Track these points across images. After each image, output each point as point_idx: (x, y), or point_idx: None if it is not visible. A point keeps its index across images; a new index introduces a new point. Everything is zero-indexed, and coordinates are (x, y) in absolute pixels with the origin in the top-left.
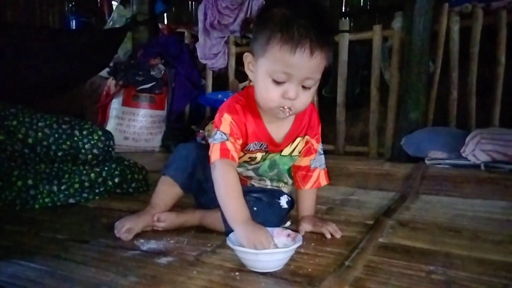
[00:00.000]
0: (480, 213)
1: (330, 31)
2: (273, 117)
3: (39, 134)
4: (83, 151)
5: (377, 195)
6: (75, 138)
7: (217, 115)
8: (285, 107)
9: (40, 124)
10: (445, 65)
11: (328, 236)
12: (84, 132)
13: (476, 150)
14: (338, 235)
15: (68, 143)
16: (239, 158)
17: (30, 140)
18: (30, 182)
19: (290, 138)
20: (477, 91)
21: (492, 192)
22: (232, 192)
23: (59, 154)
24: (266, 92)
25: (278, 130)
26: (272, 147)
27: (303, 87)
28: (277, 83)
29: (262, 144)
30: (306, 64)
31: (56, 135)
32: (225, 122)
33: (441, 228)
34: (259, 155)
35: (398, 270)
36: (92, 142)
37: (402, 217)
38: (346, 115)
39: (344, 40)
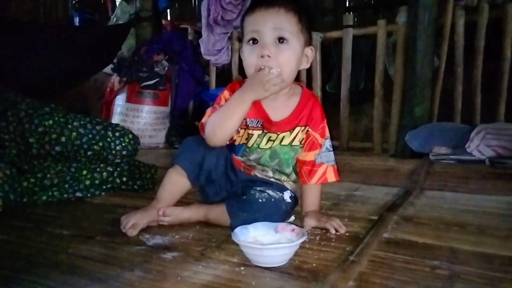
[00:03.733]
0: (485, 208)
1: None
2: (270, 97)
3: (74, 133)
4: (113, 152)
5: (381, 191)
6: (108, 139)
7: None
8: (265, 67)
9: (75, 123)
10: (450, 60)
11: (333, 231)
12: (117, 134)
13: (481, 145)
14: (342, 230)
15: (100, 144)
16: (239, 137)
17: (63, 139)
18: (44, 175)
19: (288, 124)
20: (483, 86)
21: (497, 187)
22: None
23: (89, 153)
24: (247, 58)
25: (275, 111)
26: (268, 125)
27: (279, 40)
28: (252, 44)
29: (258, 121)
30: (266, 14)
31: (90, 135)
32: (223, 98)
33: (446, 223)
34: (255, 133)
35: (403, 265)
36: (123, 144)
37: (407, 212)
38: (350, 111)
39: (348, 36)
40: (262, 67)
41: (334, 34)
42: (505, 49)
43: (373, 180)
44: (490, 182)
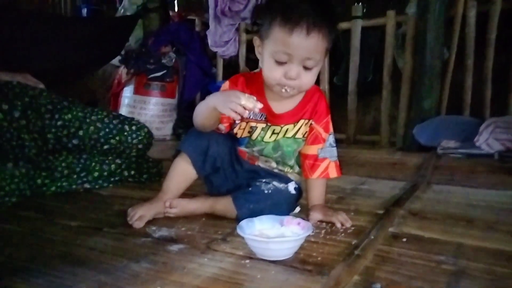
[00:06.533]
0: (493, 203)
1: (330, 14)
2: (278, 95)
3: (91, 127)
4: (130, 145)
5: (388, 185)
6: (125, 133)
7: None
8: (286, 87)
9: (93, 118)
10: (460, 52)
11: (338, 225)
12: (133, 128)
13: (490, 139)
14: (348, 224)
15: (117, 137)
16: (241, 130)
17: (81, 133)
18: (55, 167)
19: (292, 116)
20: (493, 78)
21: (505, 182)
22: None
23: (105, 147)
24: (270, 72)
25: (279, 104)
26: (272, 118)
27: (305, 68)
28: (279, 63)
29: (262, 114)
30: (304, 43)
31: (107, 129)
32: (223, 89)
33: (453, 218)
34: (259, 126)
35: (408, 260)
36: (140, 138)
37: (413, 207)
38: (357, 104)
39: (357, 27)
40: (283, 88)
41: (343, 25)
42: None
43: (379, 174)
44: (498, 176)
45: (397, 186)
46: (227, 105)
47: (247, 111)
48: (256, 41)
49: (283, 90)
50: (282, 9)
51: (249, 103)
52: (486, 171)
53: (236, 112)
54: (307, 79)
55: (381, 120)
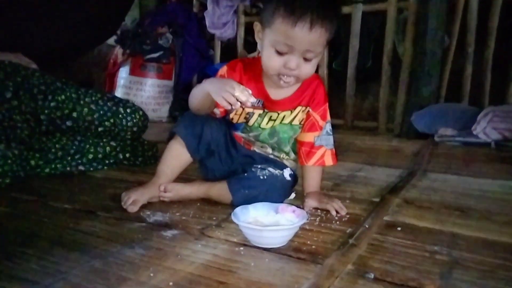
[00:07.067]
0: (489, 193)
1: (334, 5)
2: (276, 83)
3: (85, 109)
4: (124, 128)
5: (384, 172)
6: (120, 116)
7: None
8: (285, 76)
9: (87, 99)
10: (461, 40)
11: (333, 212)
12: (128, 110)
13: (488, 128)
14: (343, 212)
15: (112, 120)
16: (237, 116)
17: (74, 114)
18: (49, 149)
19: (290, 103)
20: (492, 67)
21: (501, 171)
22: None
23: (100, 129)
24: (269, 61)
25: (277, 90)
26: (269, 104)
27: (305, 59)
28: (280, 53)
29: (259, 100)
30: (306, 37)
31: (101, 112)
32: (219, 74)
33: (448, 208)
34: (256, 112)
35: (402, 250)
36: (135, 121)
37: (409, 195)
38: (356, 89)
39: (357, 12)
40: (282, 77)
41: (343, 10)
42: None
43: (376, 161)
44: (494, 165)
45: (394, 174)
46: (221, 93)
47: (239, 103)
48: (257, 26)
49: (282, 82)
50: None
51: (242, 95)
52: (482, 160)
53: (228, 102)
54: (307, 70)
55: (379, 106)
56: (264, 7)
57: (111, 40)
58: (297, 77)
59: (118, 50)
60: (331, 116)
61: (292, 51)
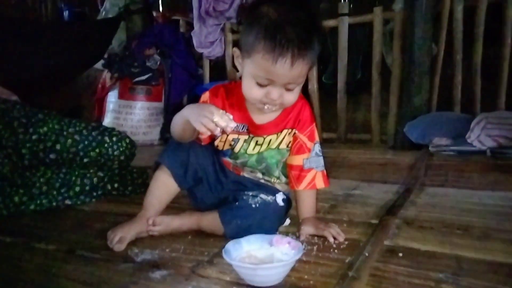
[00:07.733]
0: (489, 207)
1: (315, 33)
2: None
3: (69, 140)
4: (111, 157)
5: (381, 189)
6: (105, 145)
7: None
8: (268, 105)
9: (70, 130)
10: (449, 47)
11: (331, 239)
12: (114, 139)
13: (482, 135)
14: (341, 238)
15: (97, 150)
16: (221, 143)
17: (58, 147)
18: (33, 184)
19: (275, 127)
20: (482, 73)
21: (499, 181)
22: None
23: (85, 160)
24: (250, 91)
25: (261, 115)
26: (254, 129)
27: (287, 89)
28: (261, 85)
29: (244, 125)
30: (287, 73)
31: (86, 142)
32: (202, 100)
33: (449, 226)
34: (241, 138)
35: (406, 279)
36: (121, 149)
37: (408, 214)
38: (347, 102)
39: (344, 24)
40: (265, 106)
41: (330, 23)
42: (505, 35)
43: (372, 177)
44: (492, 175)
45: (390, 190)
46: (199, 119)
47: (218, 128)
48: (236, 52)
49: (265, 108)
50: (265, 33)
51: (222, 121)
52: (479, 170)
53: (207, 127)
54: (290, 99)
55: (371, 118)
56: (242, 34)
57: (99, 65)
58: (281, 105)
59: (106, 74)
60: (324, 130)
61: (273, 84)
